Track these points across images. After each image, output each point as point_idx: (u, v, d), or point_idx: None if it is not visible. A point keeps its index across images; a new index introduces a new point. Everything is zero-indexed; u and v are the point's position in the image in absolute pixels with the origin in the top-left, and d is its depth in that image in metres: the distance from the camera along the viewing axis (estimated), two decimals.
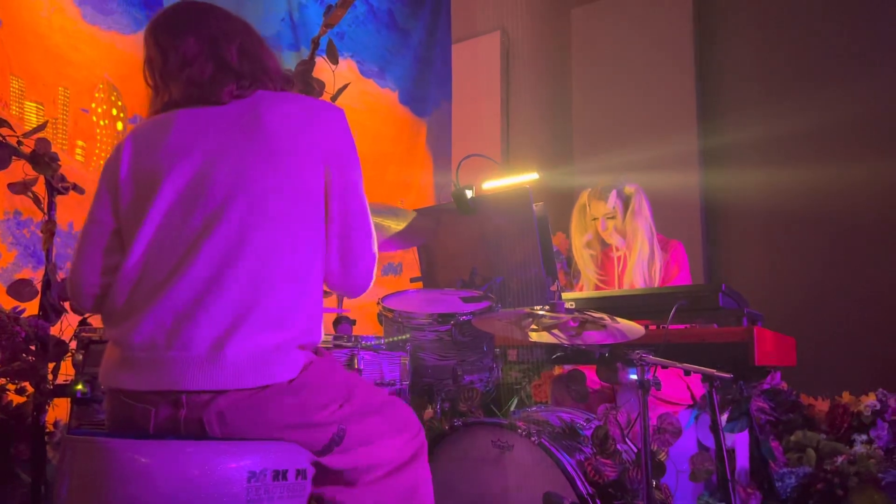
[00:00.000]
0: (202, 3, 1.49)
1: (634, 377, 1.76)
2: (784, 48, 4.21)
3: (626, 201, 2.84)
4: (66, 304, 2.15)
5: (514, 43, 5.43)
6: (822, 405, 3.17)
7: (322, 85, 2.38)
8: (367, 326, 3.06)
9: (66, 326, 2.19)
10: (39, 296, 2.16)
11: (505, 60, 5.45)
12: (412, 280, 2.71)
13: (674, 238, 2.90)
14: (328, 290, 1.47)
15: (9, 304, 2.19)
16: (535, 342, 1.90)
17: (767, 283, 3.96)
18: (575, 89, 4.93)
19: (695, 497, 2.31)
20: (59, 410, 2.27)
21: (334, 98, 2.40)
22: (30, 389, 2.17)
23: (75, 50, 3.08)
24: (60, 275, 2.20)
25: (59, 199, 2.20)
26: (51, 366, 2.15)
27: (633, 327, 1.80)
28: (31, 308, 2.18)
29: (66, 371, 2.18)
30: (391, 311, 2.10)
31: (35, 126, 2.34)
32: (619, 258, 2.87)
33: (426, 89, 4.97)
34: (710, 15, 4.52)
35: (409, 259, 4.49)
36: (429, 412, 2.23)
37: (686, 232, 3.92)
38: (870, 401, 3.04)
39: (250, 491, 1.20)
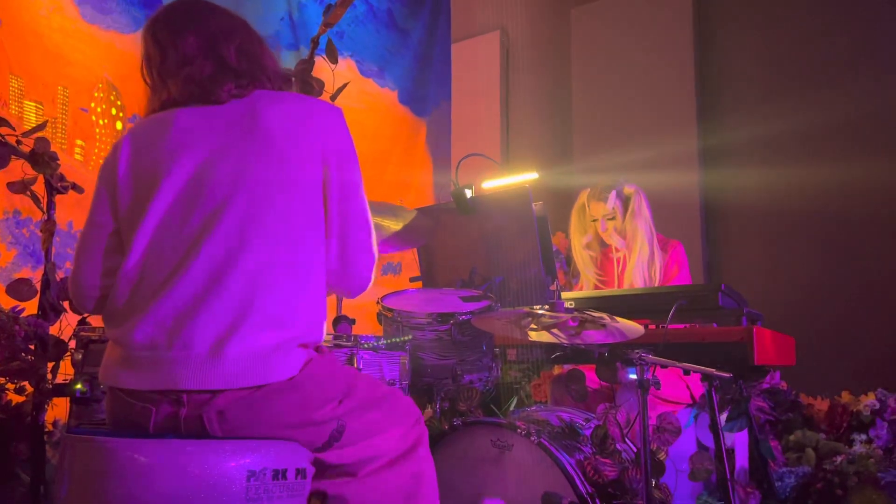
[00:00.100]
0: (202, 2, 1.49)
1: (634, 377, 1.76)
2: (783, 48, 4.21)
3: (625, 202, 2.83)
4: (66, 304, 2.15)
5: (514, 43, 5.43)
6: (822, 405, 3.18)
7: (321, 84, 2.38)
8: (366, 326, 3.05)
9: (65, 326, 2.19)
10: (38, 295, 2.16)
11: (505, 60, 5.44)
12: (412, 279, 2.71)
13: (673, 238, 2.89)
14: (328, 289, 1.47)
15: (8, 303, 2.19)
16: (534, 342, 1.90)
17: (767, 282, 3.95)
18: (574, 89, 4.93)
19: (694, 496, 2.31)
20: (58, 410, 2.27)
21: (334, 97, 2.40)
22: (29, 389, 2.18)
23: (75, 49, 3.08)
24: (59, 274, 2.20)
25: (58, 198, 2.20)
26: (50, 365, 2.16)
27: (632, 327, 1.80)
28: (31, 307, 2.19)
29: (66, 370, 2.19)
30: (391, 310, 2.10)
31: (34, 125, 2.34)
32: (618, 259, 2.87)
33: (426, 89, 4.96)
34: (709, 16, 4.52)
35: (409, 259, 4.48)
36: (428, 412, 2.22)
37: (686, 232, 3.92)
38: (869, 400, 3.04)
39: (250, 490, 1.20)
